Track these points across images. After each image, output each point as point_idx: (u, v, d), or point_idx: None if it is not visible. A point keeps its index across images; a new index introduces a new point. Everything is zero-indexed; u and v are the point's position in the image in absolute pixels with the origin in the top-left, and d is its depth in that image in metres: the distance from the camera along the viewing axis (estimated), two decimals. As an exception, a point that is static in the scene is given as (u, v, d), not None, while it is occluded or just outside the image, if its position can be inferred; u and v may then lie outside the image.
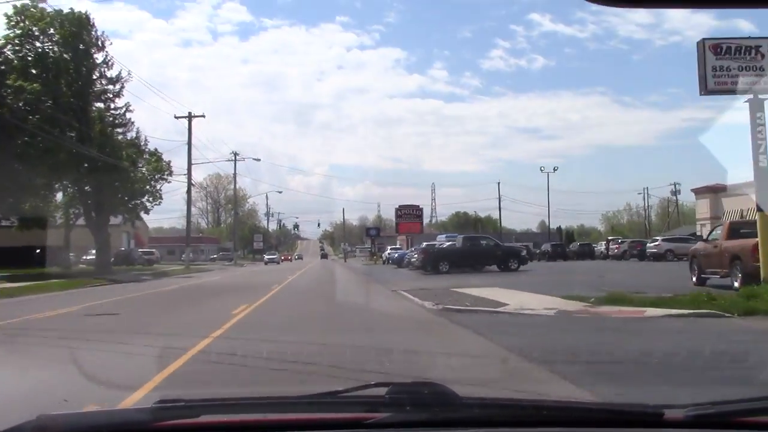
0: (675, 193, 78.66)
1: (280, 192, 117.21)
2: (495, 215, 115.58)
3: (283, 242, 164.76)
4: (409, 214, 62.63)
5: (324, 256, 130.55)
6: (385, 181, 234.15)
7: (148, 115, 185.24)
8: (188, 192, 53.48)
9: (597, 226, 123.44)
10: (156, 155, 42.03)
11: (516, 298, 16.63)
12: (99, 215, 40.97)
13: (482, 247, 35.31)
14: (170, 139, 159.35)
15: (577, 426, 1.91)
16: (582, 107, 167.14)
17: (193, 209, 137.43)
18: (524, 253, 35.96)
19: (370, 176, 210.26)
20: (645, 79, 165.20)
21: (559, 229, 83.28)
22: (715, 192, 50.31)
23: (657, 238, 48.66)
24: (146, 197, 42.70)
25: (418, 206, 65.01)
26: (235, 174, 78.39)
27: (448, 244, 39.00)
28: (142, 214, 46.80)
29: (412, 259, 38.86)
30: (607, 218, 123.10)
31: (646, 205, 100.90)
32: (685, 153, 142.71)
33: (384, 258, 61.94)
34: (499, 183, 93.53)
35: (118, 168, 38.65)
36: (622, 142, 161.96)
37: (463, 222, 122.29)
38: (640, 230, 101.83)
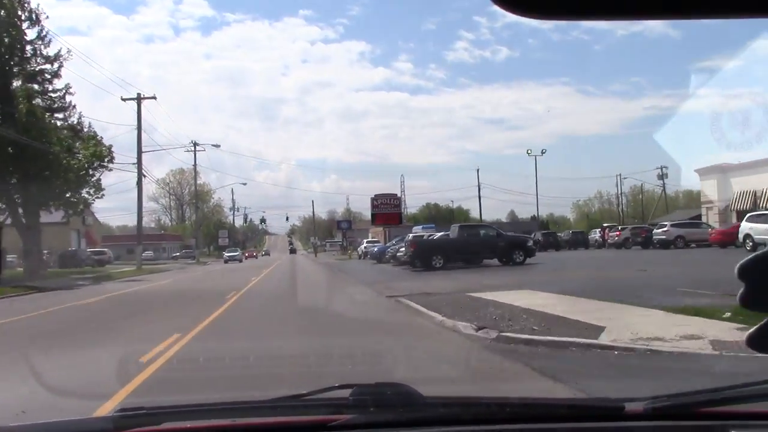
0: (662, 176, 73.80)
1: (245, 184, 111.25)
2: (465, 206, 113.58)
3: (250, 238, 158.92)
4: (386, 204, 56.56)
5: (293, 251, 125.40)
6: (352, 175, 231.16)
7: (110, 113, 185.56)
8: (138, 183, 46.90)
9: (567, 215, 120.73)
10: (94, 139, 35.32)
11: (591, 311, 10.81)
12: (27, 210, 34.29)
13: (481, 238, 29.54)
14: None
15: (540, 422, 1.89)
16: (546, 97, 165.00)
17: (155, 206, 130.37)
18: (531, 243, 30.23)
19: (338, 170, 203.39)
20: (607, 68, 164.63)
21: (536, 218, 78.01)
22: (723, 172, 45.25)
23: (665, 223, 43.43)
24: (86, 189, 36.09)
25: (396, 195, 58.95)
26: (195, 165, 71.77)
27: (439, 235, 33.19)
28: (106, 212, 40.03)
29: (398, 254, 32.93)
30: (578, 206, 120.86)
31: (620, 192, 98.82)
32: (649, 141, 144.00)
33: (360, 252, 55.91)
34: (478, 170, 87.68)
35: (47, 154, 32.04)
36: (586, 132, 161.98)
37: (434, 213, 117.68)
38: (612, 218, 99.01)
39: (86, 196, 36.84)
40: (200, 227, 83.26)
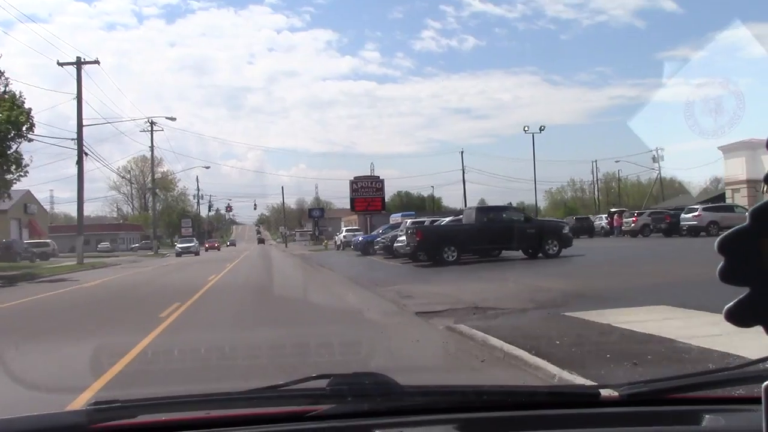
0: (657, 159, 67.94)
1: (208, 167, 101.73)
2: (438, 194, 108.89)
3: (217, 228, 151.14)
4: (367, 188, 49.45)
5: (261, 240, 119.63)
6: (320, 164, 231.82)
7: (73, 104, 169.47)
8: (79, 161, 39.06)
9: (538, 204, 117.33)
10: (10, 101, 27.62)
11: None
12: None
13: (504, 224, 22.79)
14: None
15: (517, 409, 1.89)
16: (513, 86, 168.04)
17: (117, 195, 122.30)
18: (567, 230, 23.50)
19: (305, 159, 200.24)
20: (573, 58, 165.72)
21: (536, 204, 71.91)
22: (753, 148, 39.22)
23: (695, 207, 37.24)
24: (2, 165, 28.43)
25: (378, 177, 51.85)
26: (152, 146, 63.81)
27: (447, 221, 26.44)
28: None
29: (396, 244, 26.09)
30: (551, 194, 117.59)
31: (596, 179, 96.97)
32: (615, 130, 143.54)
33: (338, 242, 48.82)
34: (462, 152, 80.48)
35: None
36: (553, 121, 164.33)
37: (405, 202, 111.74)
38: (585, 206, 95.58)
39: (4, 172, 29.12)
40: (158, 215, 75.14)
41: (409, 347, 7.88)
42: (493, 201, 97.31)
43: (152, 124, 64.12)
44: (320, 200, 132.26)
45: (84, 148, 39.74)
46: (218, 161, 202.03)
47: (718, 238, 0.96)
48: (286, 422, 1.83)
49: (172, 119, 46.69)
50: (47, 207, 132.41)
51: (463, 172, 73.89)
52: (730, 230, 0.96)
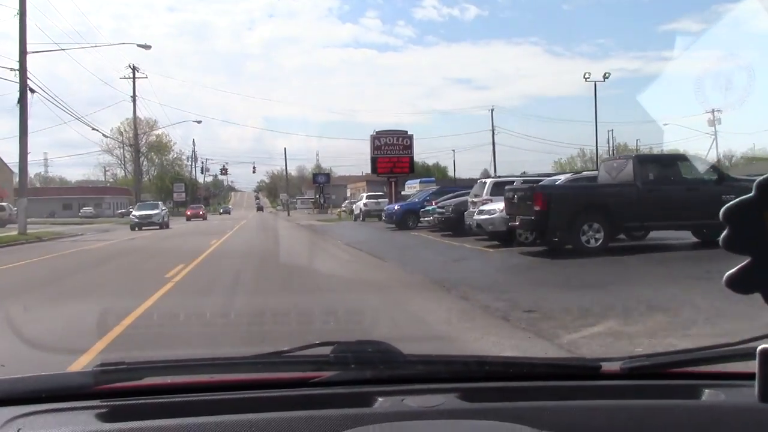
0: (713, 122, 57.39)
1: (199, 122, 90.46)
2: (443, 163, 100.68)
3: (214, 194, 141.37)
4: (393, 145, 39.10)
5: (260, 208, 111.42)
6: (320, 133, 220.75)
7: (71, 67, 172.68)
8: (21, 98, 28.67)
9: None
10: None
11: None
12: None
13: (689, 186, 12.88)
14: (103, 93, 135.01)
15: (519, 380, 1.87)
16: (514, 57, 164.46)
17: (109, 158, 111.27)
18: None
19: (305, 128, 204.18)
20: (575, 29, 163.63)
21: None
22: None
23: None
24: None
25: (406, 133, 41.45)
26: (134, 96, 53.38)
27: (581, 176, 16.34)
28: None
29: (481, 216, 15.90)
30: (560, 165, 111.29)
31: (612, 148, 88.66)
32: (617, 102, 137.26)
33: (357, 211, 38.61)
34: (492, 109, 69.84)
35: None
36: (554, 92, 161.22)
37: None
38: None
39: None
40: (153, 179, 64.82)
41: None
42: (500, 171, 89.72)
43: (134, 70, 53.70)
44: (321, 167, 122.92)
45: (30, 83, 29.36)
46: (217, 129, 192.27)
47: (724, 208, 0.96)
48: (290, 388, 1.82)
49: (147, 47, 36.06)
50: (40, 170, 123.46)
51: (493, 133, 63.59)
52: (736, 200, 0.96)
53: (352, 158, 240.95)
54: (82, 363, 4.87)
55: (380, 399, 1.70)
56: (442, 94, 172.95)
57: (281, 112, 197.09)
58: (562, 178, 16.66)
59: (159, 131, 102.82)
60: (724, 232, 0.98)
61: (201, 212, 63.73)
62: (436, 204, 21.09)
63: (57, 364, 4.87)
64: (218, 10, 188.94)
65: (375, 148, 39.17)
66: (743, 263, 0.97)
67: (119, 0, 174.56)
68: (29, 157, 30.93)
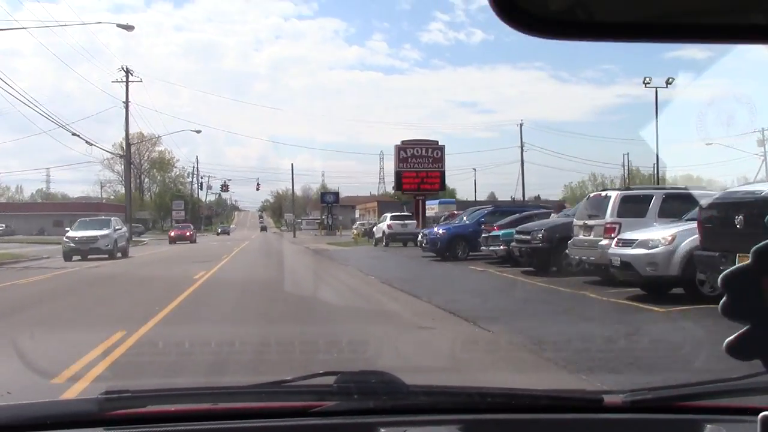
0: (764, 141, 51.50)
1: (199, 131, 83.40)
2: (449, 185, 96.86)
3: (217, 213, 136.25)
4: (422, 157, 33.04)
5: (263, 228, 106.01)
6: (324, 154, 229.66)
7: (78, 84, 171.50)
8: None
9: (557, 198, 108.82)
10: None
11: None
12: None
13: None
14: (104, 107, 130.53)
15: (521, 412, 1.84)
16: (520, 82, 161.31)
17: (110, 174, 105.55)
18: None
19: (310, 148, 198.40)
20: (580, 55, 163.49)
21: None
22: None
23: None
24: None
25: (436, 143, 35.23)
26: (127, 101, 47.62)
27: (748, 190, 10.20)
28: None
29: (637, 251, 9.55)
30: (570, 189, 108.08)
31: (627, 173, 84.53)
32: (621, 128, 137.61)
33: (379, 234, 32.22)
34: (521, 124, 63.98)
35: None
36: (560, 117, 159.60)
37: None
38: None
39: None
40: (130, 190, 58.94)
41: None
42: (503, 195, 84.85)
43: (128, 73, 47.90)
44: (327, 188, 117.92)
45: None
46: (222, 147, 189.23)
47: (722, 274, 0.96)
48: (291, 417, 1.79)
49: (129, 28, 30.13)
50: (42, 186, 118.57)
51: (522, 148, 57.94)
52: (734, 267, 0.96)
53: (357, 179, 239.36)
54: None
55: (382, 430, 1.67)
56: (446, 116, 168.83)
57: (286, 132, 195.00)
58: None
59: (165, 151, 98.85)
60: (723, 299, 0.96)
61: (188, 233, 50.75)
62: (516, 229, 14.89)
63: None
64: (226, 30, 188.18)
65: (400, 160, 33.05)
66: (742, 330, 0.97)
67: (127, 19, 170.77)
68: (28, 174, 25.23)
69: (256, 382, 1.97)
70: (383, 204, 77.91)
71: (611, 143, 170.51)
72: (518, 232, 14.56)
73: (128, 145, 47.99)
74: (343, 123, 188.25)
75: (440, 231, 20.19)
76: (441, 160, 33.60)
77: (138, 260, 25.37)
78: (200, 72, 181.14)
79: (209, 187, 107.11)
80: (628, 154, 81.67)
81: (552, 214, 17.74)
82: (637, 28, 0.96)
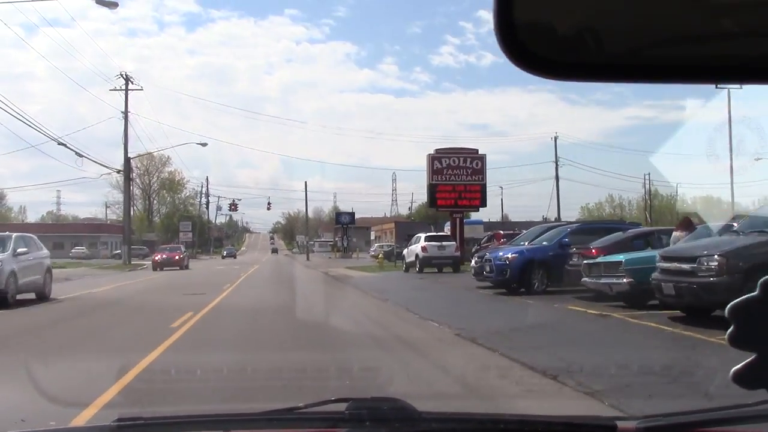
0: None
1: (205, 144, 77.89)
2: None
3: (228, 235, 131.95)
4: (459, 168, 27.93)
5: (275, 250, 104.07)
6: (335, 176, 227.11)
7: (92, 107, 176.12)
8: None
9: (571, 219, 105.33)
10: None
11: None
12: None
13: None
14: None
15: None
16: (530, 105, 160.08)
17: (118, 194, 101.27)
18: None
19: (320, 171, 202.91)
20: None
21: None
22: None
23: None
24: None
25: (477, 152, 30.22)
26: (126, 108, 42.98)
27: None
28: None
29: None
30: (587, 210, 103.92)
31: (648, 194, 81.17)
32: (629, 150, 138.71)
33: (411, 258, 26.98)
34: (555, 137, 59.22)
35: None
36: (569, 139, 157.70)
37: (431, 213, 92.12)
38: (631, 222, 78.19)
39: None
40: (130, 212, 54.02)
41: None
42: (515, 217, 79.71)
43: (127, 80, 43.31)
44: (339, 209, 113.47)
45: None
46: (233, 170, 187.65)
47: (729, 305, 0.96)
48: None
49: (113, 5, 25.40)
50: (53, 208, 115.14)
51: (557, 165, 53.00)
52: (741, 298, 0.96)
53: (369, 200, 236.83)
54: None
55: None
56: (457, 139, 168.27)
57: (298, 154, 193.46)
58: None
59: (175, 171, 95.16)
60: (730, 329, 0.97)
61: (177, 257, 39.91)
62: (661, 253, 9.71)
63: None
64: (238, 54, 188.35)
65: (434, 172, 27.91)
66: (749, 359, 0.97)
67: (141, 43, 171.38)
68: (41, 196, 20.57)
69: (268, 409, 1.86)
70: (401, 225, 72.94)
71: (625, 163, 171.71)
72: (666, 258, 9.37)
73: (127, 159, 43.10)
74: (354, 145, 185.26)
75: (509, 255, 14.89)
76: (482, 171, 28.34)
77: (57, 309, 13.96)
78: (212, 95, 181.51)
79: (219, 208, 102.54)
80: (649, 174, 77.29)
81: (674, 233, 12.65)
82: (645, 70, 0.96)
